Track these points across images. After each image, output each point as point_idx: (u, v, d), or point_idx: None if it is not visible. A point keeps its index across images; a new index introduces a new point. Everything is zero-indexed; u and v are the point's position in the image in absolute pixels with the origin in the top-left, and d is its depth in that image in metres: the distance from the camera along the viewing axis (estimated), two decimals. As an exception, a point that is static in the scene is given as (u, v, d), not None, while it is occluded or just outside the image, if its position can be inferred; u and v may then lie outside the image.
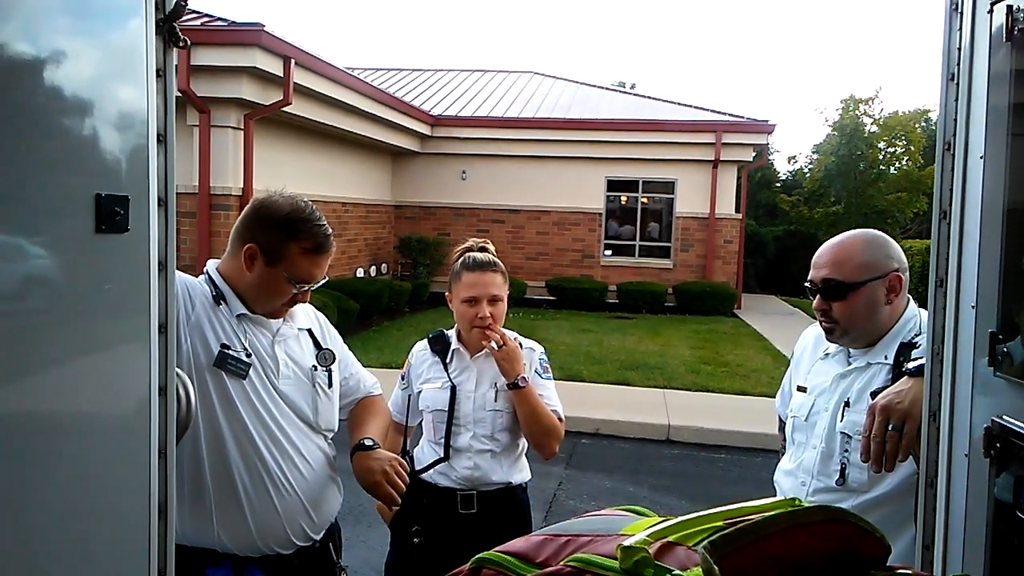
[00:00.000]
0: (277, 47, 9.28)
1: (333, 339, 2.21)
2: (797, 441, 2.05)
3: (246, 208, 2.00)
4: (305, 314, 2.15)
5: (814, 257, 1.99)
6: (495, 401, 2.46)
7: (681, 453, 6.64)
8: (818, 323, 2.04)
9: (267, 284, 1.94)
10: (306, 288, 1.97)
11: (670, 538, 0.72)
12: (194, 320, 1.90)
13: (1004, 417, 1.20)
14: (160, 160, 1.23)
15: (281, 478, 1.94)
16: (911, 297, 1.99)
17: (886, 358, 1.89)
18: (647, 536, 0.72)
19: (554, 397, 2.59)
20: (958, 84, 1.36)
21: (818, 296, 1.94)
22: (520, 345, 2.58)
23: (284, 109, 9.91)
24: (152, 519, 1.22)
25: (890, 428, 1.60)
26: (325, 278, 2.02)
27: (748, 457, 6.48)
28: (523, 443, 2.57)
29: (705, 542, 0.67)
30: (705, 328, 13.05)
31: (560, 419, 2.54)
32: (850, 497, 1.86)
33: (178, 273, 1.93)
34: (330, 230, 1.98)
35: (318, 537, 2.03)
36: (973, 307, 1.31)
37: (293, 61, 9.56)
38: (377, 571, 3.68)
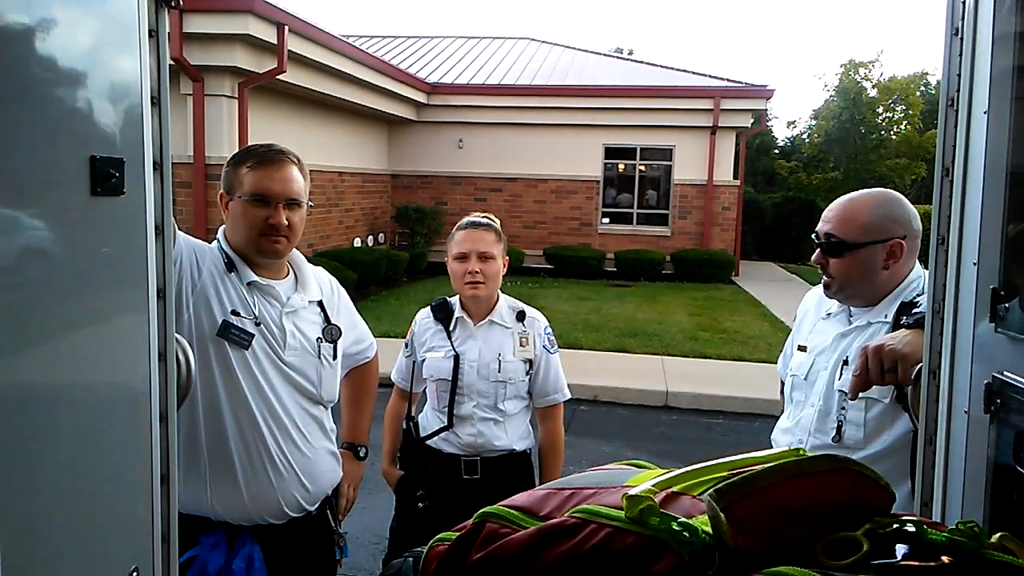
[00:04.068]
0: (270, 13, 9.13)
1: (343, 306, 2.21)
2: (796, 399, 2.06)
3: None
4: (317, 282, 2.13)
5: (826, 210, 2.00)
6: (499, 372, 2.45)
7: (679, 419, 6.69)
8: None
9: (238, 217, 1.95)
10: (266, 201, 1.93)
11: (675, 488, 0.72)
12: (200, 288, 1.89)
13: (1005, 373, 1.20)
14: (155, 122, 1.21)
15: (277, 451, 1.94)
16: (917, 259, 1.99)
17: (886, 317, 1.90)
18: (652, 486, 0.72)
19: (560, 376, 2.59)
20: (962, 39, 1.33)
21: (818, 250, 1.96)
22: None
23: (278, 77, 9.79)
24: (155, 484, 1.22)
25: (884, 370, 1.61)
26: (305, 200, 2.01)
27: (746, 422, 6.53)
28: (528, 410, 2.57)
29: (711, 490, 0.67)
30: (703, 295, 13.07)
31: (563, 399, 2.62)
32: (846, 454, 1.87)
33: (190, 238, 1.93)
34: (278, 147, 1.99)
35: (313, 508, 2.03)
36: (975, 264, 1.30)
37: (287, 28, 9.42)
38: (379, 536, 3.72)
